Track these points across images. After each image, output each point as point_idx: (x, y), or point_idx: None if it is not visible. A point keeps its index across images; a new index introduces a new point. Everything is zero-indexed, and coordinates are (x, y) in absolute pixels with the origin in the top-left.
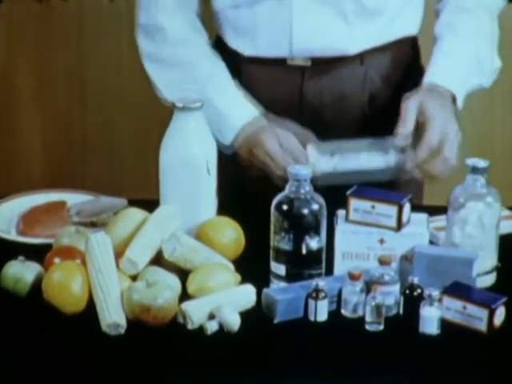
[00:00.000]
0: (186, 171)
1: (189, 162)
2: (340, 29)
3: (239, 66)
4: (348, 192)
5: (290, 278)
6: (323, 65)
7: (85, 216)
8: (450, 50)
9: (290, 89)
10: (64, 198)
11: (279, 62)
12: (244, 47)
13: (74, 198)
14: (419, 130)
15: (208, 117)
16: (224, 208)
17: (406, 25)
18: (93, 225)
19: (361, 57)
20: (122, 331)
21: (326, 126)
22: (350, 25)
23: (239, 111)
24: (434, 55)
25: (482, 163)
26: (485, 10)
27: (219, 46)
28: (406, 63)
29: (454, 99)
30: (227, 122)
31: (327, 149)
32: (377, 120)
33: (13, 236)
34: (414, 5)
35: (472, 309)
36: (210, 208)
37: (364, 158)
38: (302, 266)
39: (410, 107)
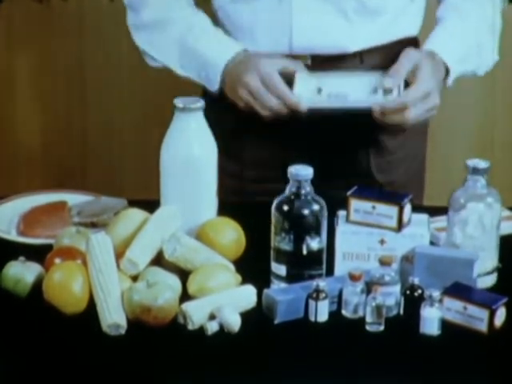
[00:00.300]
0: (187, 172)
1: (189, 162)
2: (340, 26)
3: None
4: (348, 192)
5: (291, 278)
6: (323, 63)
7: (85, 216)
8: (453, 29)
9: (289, 87)
10: (64, 199)
11: None
12: (244, 44)
13: (74, 199)
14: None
15: (196, 68)
16: (224, 208)
17: (407, 25)
18: (93, 225)
19: (360, 55)
20: (123, 332)
21: (326, 124)
22: (351, 23)
23: (221, 49)
24: (436, 29)
25: (482, 164)
26: (489, 1)
27: None
28: None
29: (446, 73)
30: (212, 64)
31: (314, 83)
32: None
33: (13, 236)
34: (415, 5)
35: (472, 309)
36: (211, 208)
37: (351, 97)
38: (303, 266)
39: (406, 61)
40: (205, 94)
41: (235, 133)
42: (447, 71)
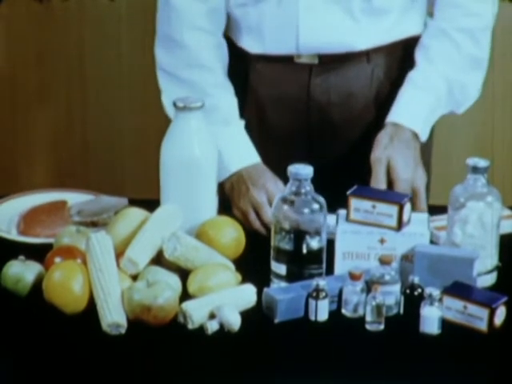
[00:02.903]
0: (187, 171)
1: (189, 162)
2: (346, 25)
3: (247, 66)
4: (348, 192)
5: (291, 277)
6: (330, 63)
7: (85, 216)
8: (420, 83)
9: (297, 87)
10: (65, 198)
11: (286, 60)
12: (251, 45)
13: (74, 198)
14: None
15: None
16: (224, 208)
17: (413, 24)
18: (93, 224)
19: (367, 55)
20: (123, 331)
21: (333, 124)
22: (357, 22)
23: (236, 156)
24: (403, 88)
25: (482, 163)
26: (465, 34)
27: (228, 46)
28: (412, 62)
29: (417, 136)
30: (224, 165)
31: None
32: (382, 119)
33: (13, 236)
34: (419, 4)
35: (472, 308)
36: (211, 208)
37: None
38: (303, 265)
39: (380, 166)
40: None
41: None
42: (417, 134)
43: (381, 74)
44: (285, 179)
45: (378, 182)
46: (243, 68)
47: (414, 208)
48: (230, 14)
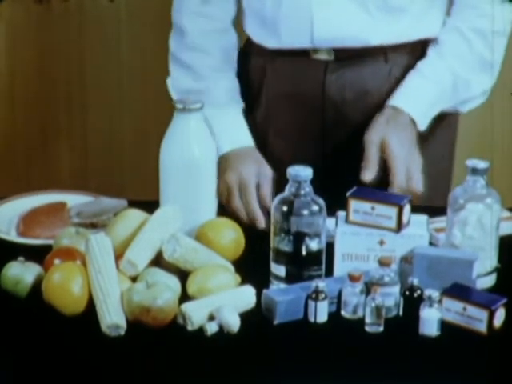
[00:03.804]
0: (186, 172)
1: (189, 162)
2: (361, 20)
3: (264, 63)
4: (348, 193)
5: (290, 279)
6: (346, 59)
7: (85, 217)
8: (427, 73)
9: (312, 84)
10: (64, 199)
11: (302, 55)
12: (267, 40)
13: (74, 199)
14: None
15: None
16: (224, 208)
17: (432, 25)
18: (93, 226)
19: (385, 54)
20: (122, 332)
21: (348, 122)
22: (372, 17)
23: (228, 137)
24: (409, 76)
25: (481, 164)
26: (478, 35)
27: (246, 46)
28: None
29: (415, 122)
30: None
31: None
32: None
33: (13, 237)
34: (438, 5)
35: (472, 310)
36: (210, 209)
37: None
38: (302, 267)
39: (372, 147)
40: None
41: (257, 133)
42: (415, 122)
43: (398, 74)
44: None
45: (369, 162)
46: (260, 65)
47: (408, 191)
48: (247, 10)
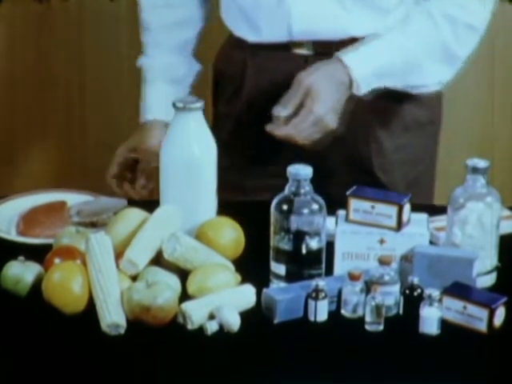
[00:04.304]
0: (186, 171)
1: (189, 162)
2: (338, 12)
3: (245, 56)
4: (348, 192)
5: (290, 278)
6: (326, 54)
7: (85, 216)
8: (384, 42)
9: (292, 77)
10: (64, 198)
11: (282, 50)
12: (247, 34)
13: (74, 199)
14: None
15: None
16: (224, 207)
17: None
18: (93, 225)
19: None
20: (122, 331)
21: None
22: (348, 11)
23: (146, 108)
24: (369, 37)
25: (482, 163)
26: (448, 22)
27: (228, 40)
28: None
29: (352, 82)
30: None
31: None
32: (381, 114)
33: (13, 236)
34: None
35: (472, 309)
36: (210, 208)
37: None
38: (302, 266)
39: (297, 87)
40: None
41: (238, 127)
42: (351, 83)
43: None
44: (279, 169)
45: (288, 100)
46: (241, 59)
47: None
48: (226, 4)
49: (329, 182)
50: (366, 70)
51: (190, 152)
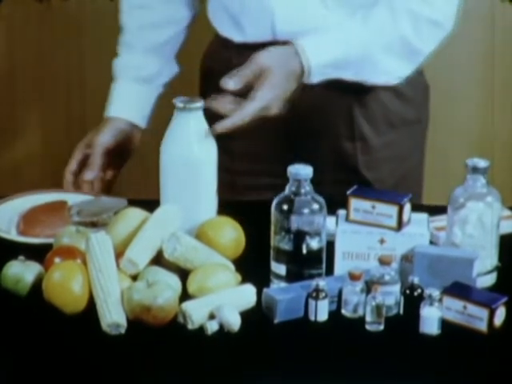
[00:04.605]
0: (187, 171)
1: (189, 162)
2: (320, 12)
3: (231, 58)
4: (348, 192)
5: (291, 277)
6: None
7: (85, 216)
8: (343, 33)
9: None
10: (64, 198)
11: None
12: (233, 34)
13: (74, 198)
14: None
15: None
16: (224, 207)
17: None
18: (93, 225)
19: None
20: (123, 331)
21: (312, 114)
22: (331, 10)
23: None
24: (330, 28)
25: (482, 163)
26: (410, 18)
27: (215, 39)
28: None
29: (303, 70)
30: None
31: None
32: (364, 111)
33: (13, 236)
34: None
35: (472, 309)
36: (211, 208)
37: None
38: (303, 265)
39: (252, 66)
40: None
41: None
42: (303, 71)
43: None
44: (272, 174)
45: (239, 75)
46: (227, 58)
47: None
48: (212, 4)
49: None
50: (320, 61)
51: (190, 151)
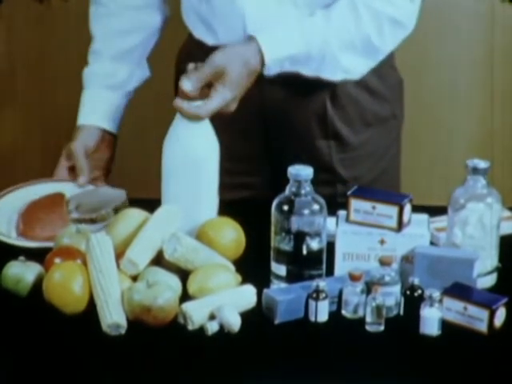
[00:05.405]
0: (189, 170)
1: (191, 160)
2: (290, 12)
3: (206, 56)
4: (349, 192)
5: (291, 278)
6: None
7: (84, 212)
8: (303, 27)
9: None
10: (61, 190)
11: None
12: (206, 36)
13: (71, 190)
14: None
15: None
16: (224, 208)
17: None
18: (92, 221)
19: None
20: (123, 331)
21: (287, 116)
22: (300, 9)
23: (88, 112)
24: (288, 23)
25: (482, 164)
26: (372, 15)
27: (188, 41)
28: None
29: (262, 68)
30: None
31: None
32: (339, 111)
33: (13, 240)
34: None
35: (472, 309)
36: (211, 207)
37: None
38: (303, 266)
39: (208, 67)
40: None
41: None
42: (263, 62)
43: None
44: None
45: (197, 76)
46: (202, 58)
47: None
48: (185, 6)
49: (286, 180)
50: (280, 56)
51: (192, 150)
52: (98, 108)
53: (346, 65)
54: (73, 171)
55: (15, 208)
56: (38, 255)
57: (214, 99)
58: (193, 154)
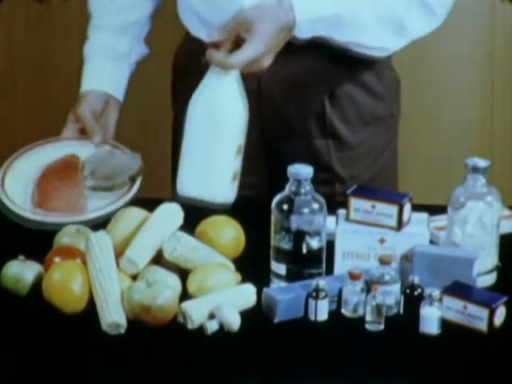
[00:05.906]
0: (211, 128)
1: (215, 118)
2: None
3: (203, 53)
4: (348, 191)
5: (291, 277)
6: (280, 54)
7: (99, 179)
8: None
9: (248, 76)
10: (74, 151)
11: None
12: (203, 34)
13: (85, 152)
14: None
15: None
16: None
17: None
18: (108, 189)
19: (317, 46)
20: (122, 331)
21: (286, 117)
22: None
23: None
24: None
25: (482, 163)
26: None
27: (186, 38)
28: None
29: (294, 27)
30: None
31: None
32: (337, 110)
33: (29, 214)
34: None
35: (472, 308)
36: (226, 173)
37: None
38: (303, 265)
39: (238, 19)
40: None
41: None
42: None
43: (333, 65)
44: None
45: (226, 27)
46: (199, 54)
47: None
48: (181, 3)
49: (284, 179)
50: (311, 16)
51: (217, 103)
52: (103, 75)
53: (376, 37)
54: (81, 134)
55: (30, 175)
56: (38, 254)
57: (245, 49)
58: (217, 107)
